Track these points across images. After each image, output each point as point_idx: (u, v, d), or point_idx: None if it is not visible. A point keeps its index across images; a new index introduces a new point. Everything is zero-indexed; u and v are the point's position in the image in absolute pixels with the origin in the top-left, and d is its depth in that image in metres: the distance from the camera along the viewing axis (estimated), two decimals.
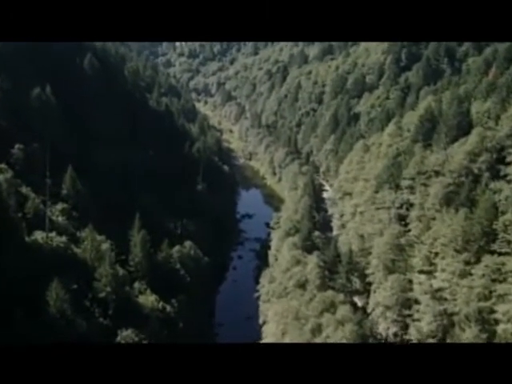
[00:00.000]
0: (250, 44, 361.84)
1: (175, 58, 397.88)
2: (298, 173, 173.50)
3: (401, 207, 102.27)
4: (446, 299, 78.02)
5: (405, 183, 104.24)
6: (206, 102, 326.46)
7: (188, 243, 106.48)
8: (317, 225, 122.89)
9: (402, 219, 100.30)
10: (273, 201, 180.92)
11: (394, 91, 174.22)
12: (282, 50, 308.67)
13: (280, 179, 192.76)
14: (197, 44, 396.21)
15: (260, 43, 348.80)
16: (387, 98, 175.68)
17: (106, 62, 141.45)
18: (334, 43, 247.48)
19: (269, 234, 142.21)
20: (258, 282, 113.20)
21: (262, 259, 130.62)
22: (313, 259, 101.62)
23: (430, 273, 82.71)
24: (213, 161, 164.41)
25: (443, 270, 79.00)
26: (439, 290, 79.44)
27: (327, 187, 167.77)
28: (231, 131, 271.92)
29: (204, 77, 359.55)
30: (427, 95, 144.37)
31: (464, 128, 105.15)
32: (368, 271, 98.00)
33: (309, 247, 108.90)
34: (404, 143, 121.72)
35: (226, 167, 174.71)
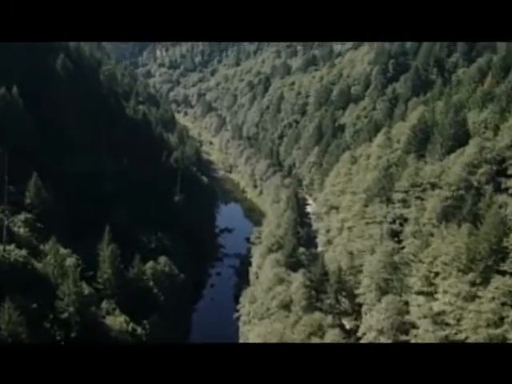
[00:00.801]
0: (231, 55, 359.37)
1: (155, 69, 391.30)
2: (281, 186, 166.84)
3: (393, 222, 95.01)
4: (448, 324, 70.19)
5: (397, 196, 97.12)
6: (185, 113, 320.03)
7: (163, 259, 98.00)
8: (301, 240, 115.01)
9: (395, 235, 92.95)
10: (253, 215, 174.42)
11: (381, 102, 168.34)
12: (264, 62, 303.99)
13: (261, 192, 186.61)
14: (178, 54, 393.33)
15: (242, 54, 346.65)
16: (373, 109, 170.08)
17: (79, 64, 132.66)
18: (317, 54, 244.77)
19: (249, 250, 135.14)
20: (237, 302, 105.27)
21: (242, 277, 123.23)
22: (298, 277, 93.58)
23: (429, 294, 74.71)
24: (191, 171, 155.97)
25: (445, 292, 71.08)
26: (441, 313, 71.48)
27: (310, 201, 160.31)
28: (211, 143, 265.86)
29: (184, 88, 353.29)
30: (417, 106, 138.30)
31: (460, 138, 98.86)
32: (358, 291, 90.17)
33: (293, 264, 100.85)
34: (395, 154, 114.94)
35: (205, 178, 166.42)
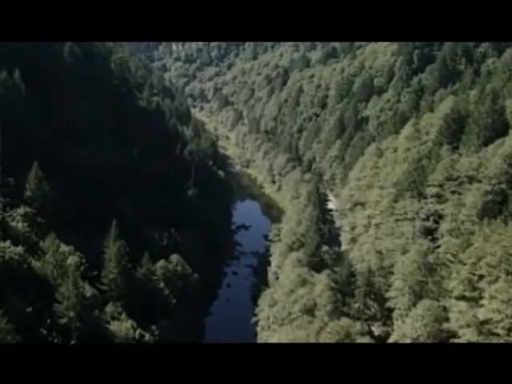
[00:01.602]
0: (248, 49, 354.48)
1: (171, 63, 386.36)
2: (300, 181, 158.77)
3: (427, 219, 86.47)
4: (497, 334, 61.62)
5: (431, 191, 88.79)
6: (201, 108, 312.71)
7: (175, 257, 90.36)
8: (323, 238, 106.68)
9: (430, 233, 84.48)
10: (272, 211, 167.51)
11: (407, 94, 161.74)
12: (282, 56, 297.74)
13: (280, 188, 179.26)
14: (194, 49, 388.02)
15: (259, 48, 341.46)
16: (398, 101, 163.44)
17: (89, 51, 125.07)
18: (338, 46, 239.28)
19: (268, 248, 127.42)
20: (256, 304, 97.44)
21: (260, 276, 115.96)
22: (322, 279, 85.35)
23: (473, 300, 65.90)
24: (207, 165, 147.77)
25: (493, 298, 62.30)
26: (488, 322, 62.86)
27: (331, 197, 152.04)
28: (227, 137, 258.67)
29: (200, 82, 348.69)
30: (446, 96, 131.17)
31: (498, 128, 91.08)
32: (389, 294, 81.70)
33: (316, 264, 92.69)
34: (425, 146, 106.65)
35: (221, 172, 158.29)
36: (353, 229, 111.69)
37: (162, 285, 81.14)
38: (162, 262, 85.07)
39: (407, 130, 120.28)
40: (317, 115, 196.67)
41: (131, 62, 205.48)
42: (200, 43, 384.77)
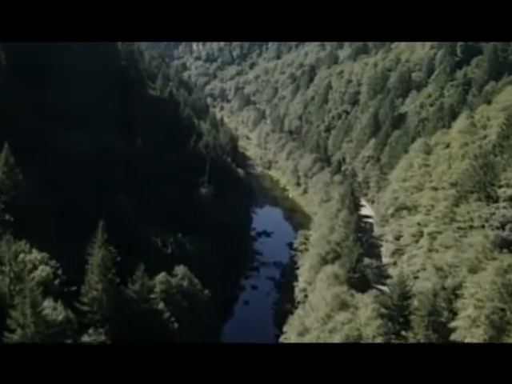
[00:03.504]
0: (272, 48, 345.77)
1: (191, 62, 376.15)
2: (330, 183, 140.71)
3: (502, 227, 67.88)
4: None
5: (504, 192, 70.48)
6: (222, 108, 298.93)
7: (180, 269, 71.81)
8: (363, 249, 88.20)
9: (507, 245, 65.72)
10: (296, 216, 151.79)
11: (451, 87, 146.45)
12: (307, 55, 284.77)
13: (306, 191, 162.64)
14: (215, 48, 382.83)
15: (283, 47, 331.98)
16: (441, 95, 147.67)
17: None
18: (369, 42, 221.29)
19: (293, 259, 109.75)
20: (280, 329, 78.84)
21: (283, 291, 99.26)
22: (367, 301, 66.53)
23: None
24: (224, 162, 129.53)
25: None
26: None
27: (363, 202, 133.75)
28: (248, 138, 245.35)
29: (221, 81, 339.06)
30: (502, 88, 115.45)
31: None
32: (456, 324, 62.44)
33: (358, 282, 74.03)
34: (488, 140, 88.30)
35: (240, 171, 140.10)
36: (397, 238, 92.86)
37: (161, 305, 62.45)
38: (162, 276, 66.25)
39: (461, 123, 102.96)
40: (347, 112, 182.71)
41: (146, 52, 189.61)
42: (221, 42, 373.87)
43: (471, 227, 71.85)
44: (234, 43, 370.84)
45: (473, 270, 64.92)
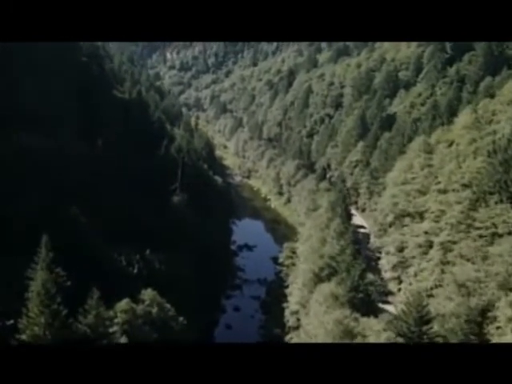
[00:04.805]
0: (247, 56, 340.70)
1: (165, 71, 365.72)
2: (317, 190, 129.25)
3: None
4: None
5: None
6: (197, 117, 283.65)
7: (148, 293, 59.07)
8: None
9: None
10: (279, 228, 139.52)
11: (443, 85, 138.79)
12: (284, 61, 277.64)
13: (289, 200, 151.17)
14: (189, 57, 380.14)
15: (259, 55, 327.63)
16: (432, 93, 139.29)
17: None
18: (349, 43, 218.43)
19: (279, 275, 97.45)
20: None
21: (270, 313, 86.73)
22: (377, 327, 54.45)
23: None
24: (200, 168, 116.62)
25: None
26: None
27: (353, 211, 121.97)
28: (225, 147, 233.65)
29: (196, 90, 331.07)
30: (498, 82, 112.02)
31: None
32: None
33: (362, 303, 61.79)
34: (501, 134, 77.45)
35: (218, 178, 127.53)
36: (400, 250, 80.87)
37: (123, 340, 49.80)
38: (125, 303, 53.32)
39: (464, 119, 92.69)
40: (330, 116, 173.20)
41: (115, 57, 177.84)
42: (196, 51, 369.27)
43: (495, 234, 60.26)
44: (209, 51, 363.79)
45: (504, 286, 53.31)
